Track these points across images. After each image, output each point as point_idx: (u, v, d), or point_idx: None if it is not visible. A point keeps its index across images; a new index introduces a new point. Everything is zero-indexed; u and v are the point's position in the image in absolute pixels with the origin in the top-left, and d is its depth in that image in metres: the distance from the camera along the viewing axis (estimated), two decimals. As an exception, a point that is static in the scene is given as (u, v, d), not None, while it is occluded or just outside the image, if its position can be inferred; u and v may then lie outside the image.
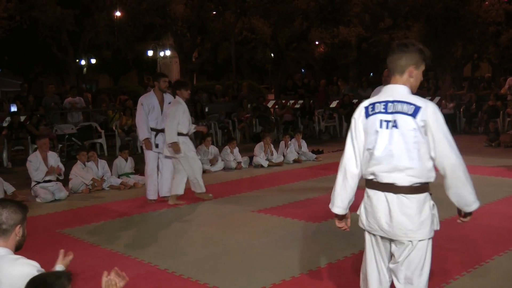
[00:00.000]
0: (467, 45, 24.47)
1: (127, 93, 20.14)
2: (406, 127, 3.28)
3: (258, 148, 12.21)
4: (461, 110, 18.06)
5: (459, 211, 3.45)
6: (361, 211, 3.54)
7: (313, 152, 13.24)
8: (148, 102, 8.71)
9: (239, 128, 16.91)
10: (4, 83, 32.47)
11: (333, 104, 19.09)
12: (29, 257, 3.41)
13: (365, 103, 3.53)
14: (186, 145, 8.53)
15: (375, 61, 27.50)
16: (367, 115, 3.44)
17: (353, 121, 3.52)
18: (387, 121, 3.35)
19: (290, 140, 12.87)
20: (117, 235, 7.03)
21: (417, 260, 3.37)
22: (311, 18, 23.69)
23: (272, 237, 6.62)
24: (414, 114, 3.27)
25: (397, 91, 3.40)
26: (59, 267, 3.50)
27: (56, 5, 18.97)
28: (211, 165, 11.72)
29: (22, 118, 14.37)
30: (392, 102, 3.35)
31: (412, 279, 3.39)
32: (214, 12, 21.95)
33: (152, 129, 8.71)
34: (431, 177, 3.33)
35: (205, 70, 36.47)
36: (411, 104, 3.30)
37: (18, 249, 3.41)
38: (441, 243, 6.15)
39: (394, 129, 3.32)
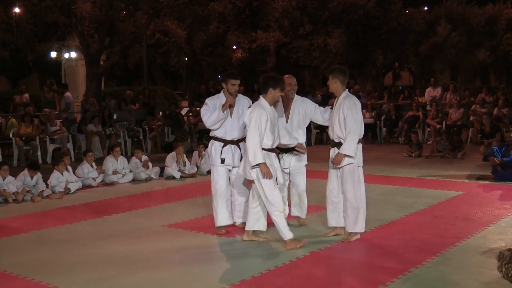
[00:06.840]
0: (387, 54, 25.26)
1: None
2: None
3: (170, 159, 12.02)
4: (382, 119, 18.52)
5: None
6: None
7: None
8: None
9: (150, 137, 16.63)
10: None
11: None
12: None
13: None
14: None
15: (294, 68, 27.81)
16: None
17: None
18: None
19: (204, 150, 12.74)
20: (9, 254, 6.72)
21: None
22: (228, 22, 23.74)
23: (184, 253, 6.51)
24: None
25: None
26: None
27: None
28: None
29: None
30: None
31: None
32: (125, 12, 21.54)
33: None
34: None
35: (114, 75, 35.84)
36: None
37: None
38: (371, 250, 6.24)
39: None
